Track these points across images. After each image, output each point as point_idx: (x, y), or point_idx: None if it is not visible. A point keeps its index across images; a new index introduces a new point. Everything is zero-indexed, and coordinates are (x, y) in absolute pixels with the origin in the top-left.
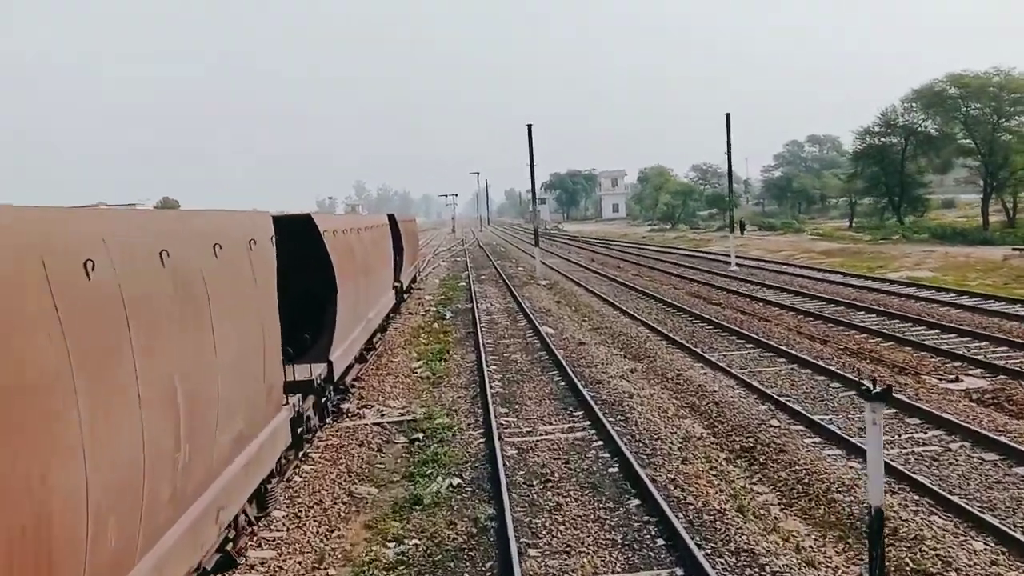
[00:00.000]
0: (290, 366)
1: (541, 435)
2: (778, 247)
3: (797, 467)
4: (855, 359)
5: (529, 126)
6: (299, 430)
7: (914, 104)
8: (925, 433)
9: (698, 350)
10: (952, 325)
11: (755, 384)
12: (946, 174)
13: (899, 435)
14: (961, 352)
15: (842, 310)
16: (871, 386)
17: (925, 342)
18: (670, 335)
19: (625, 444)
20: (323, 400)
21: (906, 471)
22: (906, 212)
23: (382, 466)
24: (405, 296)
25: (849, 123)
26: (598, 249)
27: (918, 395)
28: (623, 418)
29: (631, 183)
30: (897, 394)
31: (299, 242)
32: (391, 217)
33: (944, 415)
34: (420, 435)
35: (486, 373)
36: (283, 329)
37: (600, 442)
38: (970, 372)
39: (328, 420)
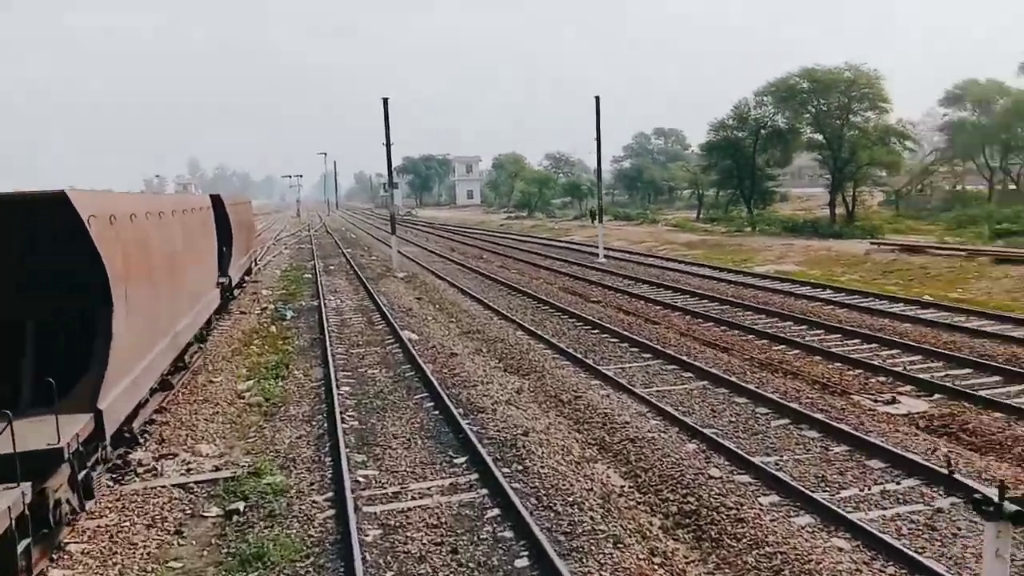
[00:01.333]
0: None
1: (414, 499)
2: (639, 238)
3: (768, 549)
4: (770, 373)
5: (385, 100)
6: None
7: (766, 98)
8: (898, 483)
9: (590, 361)
10: (853, 329)
11: (670, 411)
12: (785, 168)
13: (868, 486)
14: (877, 363)
15: (729, 309)
16: (991, 497)
17: (833, 350)
18: (554, 341)
19: (531, 513)
20: (88, 470)
21: (919, 557)
22: (755, 205)
23: (178, 567)
24: (236, 293)
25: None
26: (456, 237)
27: (862, 423)
28: (520, 467)
29: (486, 169)
30: (837, 423)
31: (45, 235)
32: (216, 198)
33: (909, 455)
34: (241, 504)
35: (336, 399)
36: None
37: (496, 511)
38: (901, 390)
39: (103, 488)
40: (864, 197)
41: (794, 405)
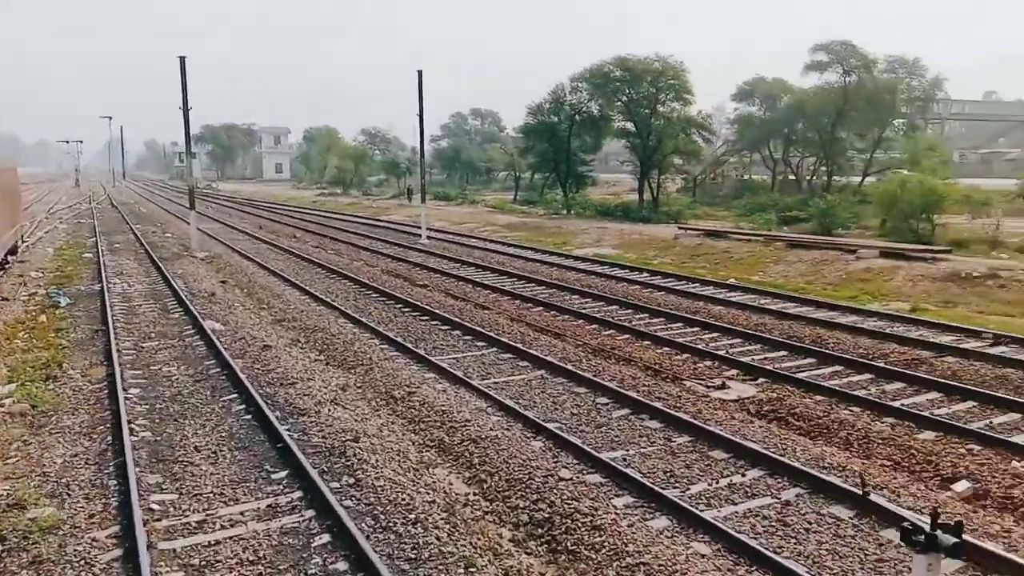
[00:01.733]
0: None
1: (223, 529)
2: (460, 218)
3: (630, 560)
4: (604, 360)
5: (182, 59)
6: None
7: (581, 84)
8: (743, 475)
9: (421, 351)
10: (674, 312)
11: (511, 405)
12: (596, 153)
13: (716, 479)
14: (702, 347)
15: (557, 293)
16: (923, 526)
17: (659, 334)
18: (381, 329)
19: (368, 537)
20: None
21: (779, 558)
22: (570, 188)
23: None
24: None
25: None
26: (265, 214)
27: (700, 411)
28: (352, 480)
29: (296, 142)
30: (676, 411)
31: None
32: None
33: (749, 444)
34: None
35: (123, 404)
36: None
37: (326, 537)
38: (728, 374)
39: None
40: (666, 184)
41: (632, 394)
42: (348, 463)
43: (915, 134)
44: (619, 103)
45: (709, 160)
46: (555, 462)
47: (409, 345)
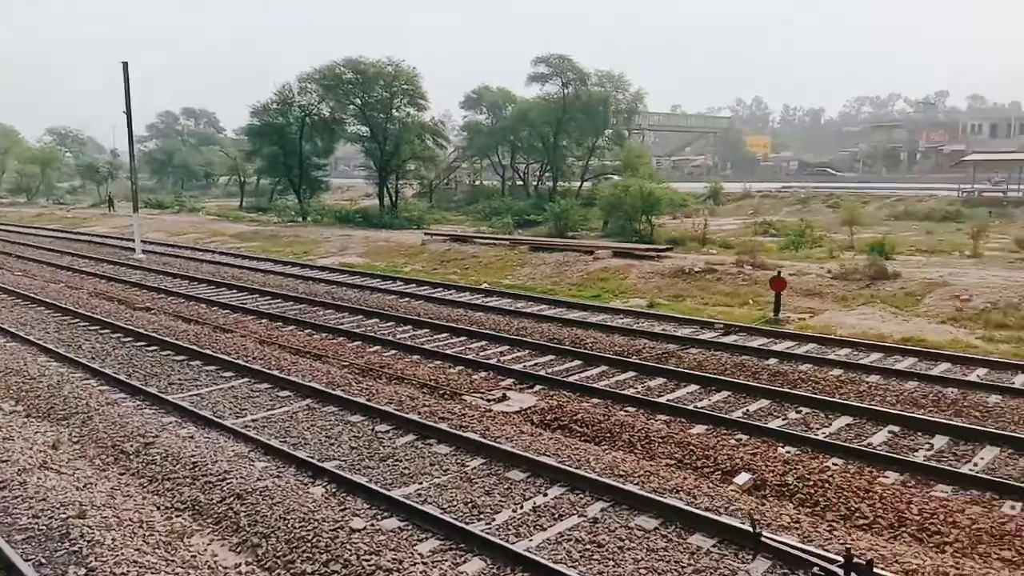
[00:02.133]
0: None
1: None
2: (180, 228)
3: None
4: (375, 380)
5: None
6: None
7: (310, 85)
8: (545, 495)
9: (153, 389)
10: (437, 322)
11: (276, 445)
12: (328, 157)
13: (519, 504)
14: (472, 357)
15: (309, 309)
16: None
17: (427, 346)
18: (96, 366)
19: None
20: None
21: None
22: (304, 194)
23: None
24: None
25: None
26: None
27: (487, 429)
28: (83, 571)
29: None
30: (463, 431)
31: None
32: None
33: (544, 460)
34: None
35: None
36: None
37: None
38: (504, 384)
39: None
40: (403, 189)
41: (414, 417)
42: (75, 548)
43: (624, 143)
44: (352, 106)
45: (442, 166)
46: (343, 510)
47: (136, 383)
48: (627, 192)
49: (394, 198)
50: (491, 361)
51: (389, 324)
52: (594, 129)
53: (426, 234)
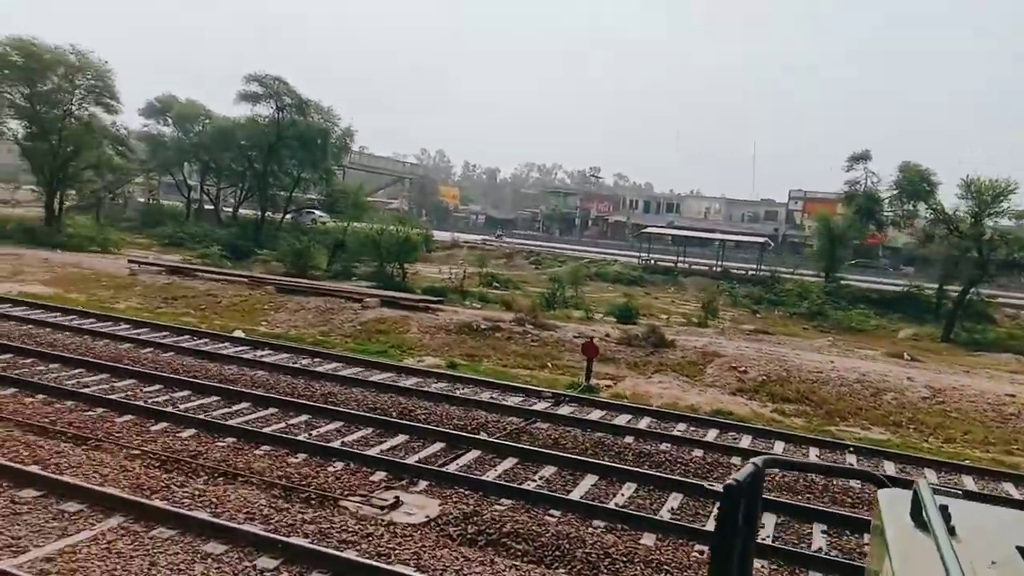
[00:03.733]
0: None
1: None
2: None
3: None
4: (188, 476)
5: None
6: None
7: None
8: None
9: None
10: (217, 385)
11: None
12: None
13: None
14: (312, 440)
15: (18, 360)
16: None
17: (230, 422)
18: None
19: None
20: None
21: None
22: None
23: None
24: None
25: None
26: None
27: (391, 550)
28: None
29: None
30: (362, 555)
31: None
32: None
33: None
34: None
35: None
36: None
37: None
38: (377, 481)
39: None
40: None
41: (295, 540)
42: None
43: (331, 179)
44: (16, 95)
45: (112, 178)
46: None
47: None
48: (382, 235)
49: (59, 211)
50: (337, 445)
51: (155, 387)
52: (311, 160)
53: (131, 261)
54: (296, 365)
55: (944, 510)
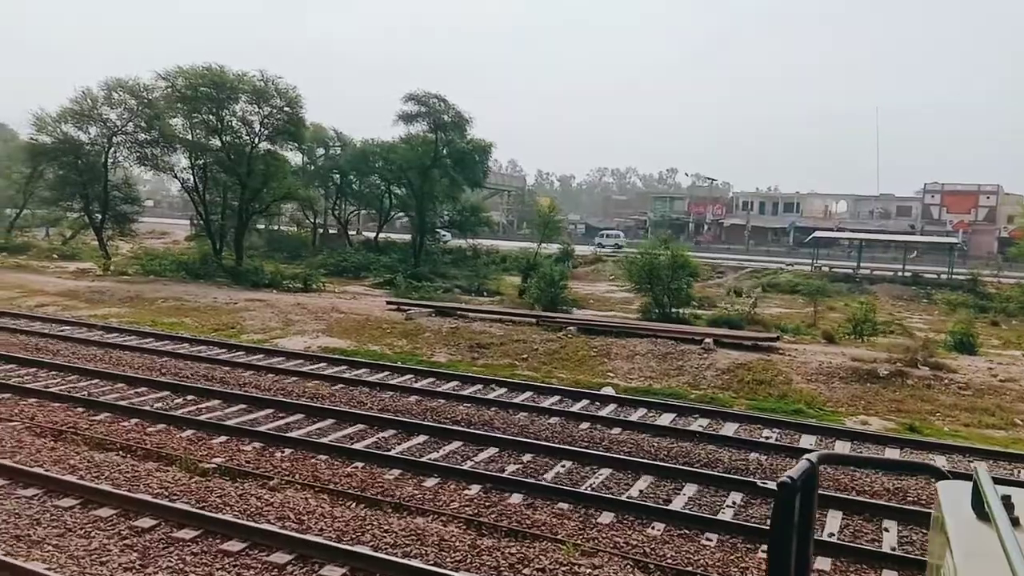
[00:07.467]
0: None
1: None
2: None
3: None
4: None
5: None
6: None
7: (118, 94)
8: None
9: None
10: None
11: None
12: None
13: None
14: None
15: (436, 441)
16: None
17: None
18: None
19: None
20: None
21: None
22: (110, 230)
23: None
24: None
25: None
26: None
27: None
28: None
29: None
30: None
31: None
32: None
33: None
34: None
35: None
36: None
37: None
38: None
39: None
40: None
41: None
42: None
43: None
44: (207, 120)
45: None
46: None
47: None
48: (656, 260)
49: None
50: None
51: (647, 480)
52: (471, 180)
53: (389, 303)
54: (746, 437)
55: (1007, 500)
